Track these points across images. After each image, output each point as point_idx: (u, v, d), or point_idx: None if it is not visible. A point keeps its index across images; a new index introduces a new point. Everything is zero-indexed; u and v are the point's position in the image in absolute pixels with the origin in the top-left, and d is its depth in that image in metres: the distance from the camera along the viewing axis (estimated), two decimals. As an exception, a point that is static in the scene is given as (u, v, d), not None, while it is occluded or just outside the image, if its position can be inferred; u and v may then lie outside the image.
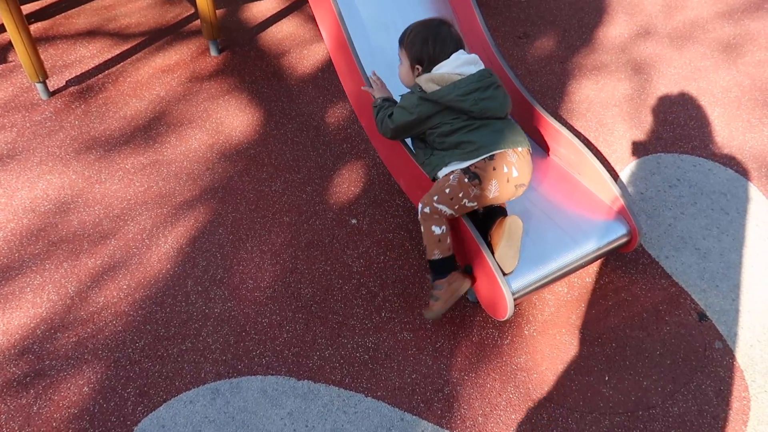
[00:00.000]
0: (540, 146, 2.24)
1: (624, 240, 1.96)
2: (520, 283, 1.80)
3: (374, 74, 2.10)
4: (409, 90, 1.94)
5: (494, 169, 1.75)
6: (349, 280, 2.05)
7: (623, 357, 1.87)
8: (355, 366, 1.83)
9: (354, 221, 2.24)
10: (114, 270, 2.07)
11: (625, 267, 2.10)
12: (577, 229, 1.94)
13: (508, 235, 1.73)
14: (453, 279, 1.79)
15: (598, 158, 2.05)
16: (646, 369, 1.85)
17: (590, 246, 1.91)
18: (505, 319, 1.79)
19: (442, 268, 1.80)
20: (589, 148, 2.47)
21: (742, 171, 2.44)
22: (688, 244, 2.18)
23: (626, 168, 2.44)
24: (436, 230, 1.77)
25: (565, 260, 1.88)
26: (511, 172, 1.77)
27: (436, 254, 1.79)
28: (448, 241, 1.79)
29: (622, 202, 1.95)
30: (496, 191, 1.75)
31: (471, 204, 1.75)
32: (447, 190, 1.76)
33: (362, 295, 2.01)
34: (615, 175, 2.40)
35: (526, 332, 1.93)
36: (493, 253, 1.76)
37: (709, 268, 2.11)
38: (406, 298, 2.00)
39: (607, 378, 1.83)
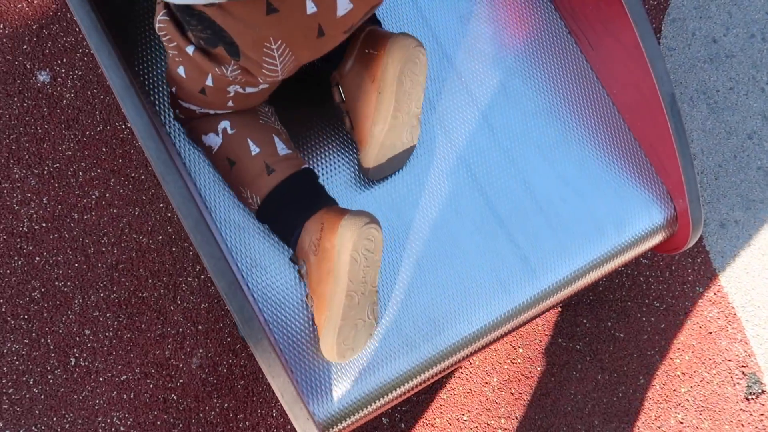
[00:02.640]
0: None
1: (657, 238, 0.85)
2: (344, 398, 0.75)
3: None
4: None
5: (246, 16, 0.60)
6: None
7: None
8: None
9: (44, 77, 0.92)
10: None
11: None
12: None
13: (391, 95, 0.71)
14: (321, 226, 0.71)
15: None
16: None
17: (553, 275, 0.82)
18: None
19: (277, 215, 0.77)
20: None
21: None
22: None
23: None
24: (211, 142, 0.76)
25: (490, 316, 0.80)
26: (303, 3, 0.61)
27: (249, 195, 0.75)
28: (253, 151, 0.74)
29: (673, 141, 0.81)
30: (281, 59, 0.63)
31: (244, 90, 0.69)
32: (179, 70, 0.70)
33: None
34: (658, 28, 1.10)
35: None
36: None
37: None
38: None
39: None
